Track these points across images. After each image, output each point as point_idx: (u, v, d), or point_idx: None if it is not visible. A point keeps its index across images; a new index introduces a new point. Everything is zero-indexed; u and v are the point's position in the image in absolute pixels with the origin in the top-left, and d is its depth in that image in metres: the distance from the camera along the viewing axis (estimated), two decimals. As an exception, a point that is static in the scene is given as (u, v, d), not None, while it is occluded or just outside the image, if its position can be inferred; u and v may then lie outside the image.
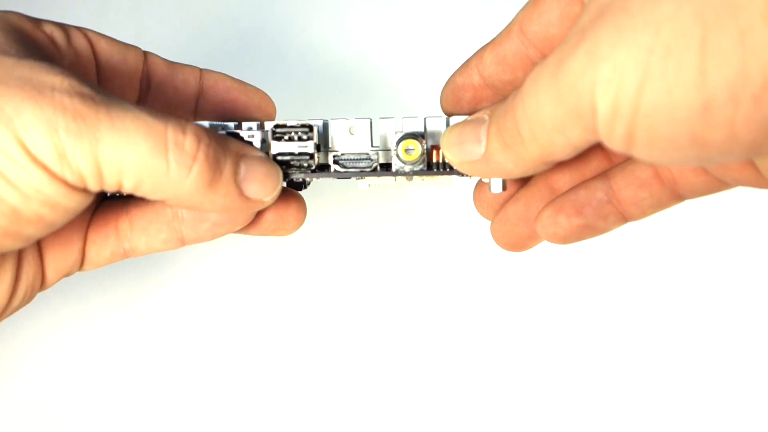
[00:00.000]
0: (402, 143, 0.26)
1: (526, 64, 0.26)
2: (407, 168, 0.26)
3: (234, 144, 0.24)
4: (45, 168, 0.20)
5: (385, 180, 0.27)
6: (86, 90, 0.21)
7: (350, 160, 0.26)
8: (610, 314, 0.41)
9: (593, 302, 0.41)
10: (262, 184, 0.24)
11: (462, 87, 0.28)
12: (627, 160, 0.26)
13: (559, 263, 0.42)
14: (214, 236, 0.28)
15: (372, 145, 0.27)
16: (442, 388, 0.40)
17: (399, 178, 0.27)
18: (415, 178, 0.27)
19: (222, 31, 0.45)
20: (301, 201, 0.28)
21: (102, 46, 0.27)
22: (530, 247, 0.29)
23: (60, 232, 0.26)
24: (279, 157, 0.26)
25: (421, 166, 0.26)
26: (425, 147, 0.26)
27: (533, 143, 0.21)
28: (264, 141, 0.26)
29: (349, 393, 0.40)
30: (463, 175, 0.26)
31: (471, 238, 0.42)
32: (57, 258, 0.27)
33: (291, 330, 0.41)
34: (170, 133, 0.22)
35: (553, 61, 0.20)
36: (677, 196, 0.26)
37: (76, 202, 0.22)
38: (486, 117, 0.23)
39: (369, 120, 0.27)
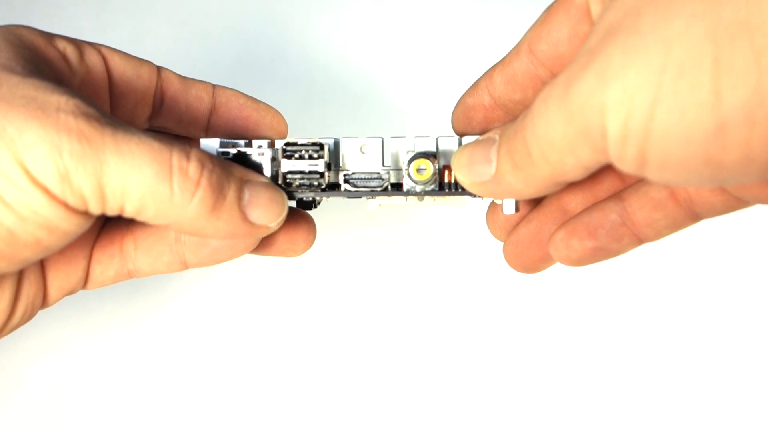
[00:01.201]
0: (414, 163, 0.25)
1: (536, 84, 0.26)
2: (419, 188, 0.26)
3: (238, 170, 0.24)
4: (45, 190, 0.20)
5: (396, 200, 0.27)
6: (92, 111, 0.21)
7: (361, 179, 0.26)
8: (627, 334, 0.41)
9: (609, 323, 0.41)
10: (267, 209, 0.24)
11: (472, 108, 0.27)
12: (641, 180, 0.26)
13: (571, 283, 0.41)
14: (215, 261, 0.27)
15: (383, 165, 0.27)
16: (452, 404, 0.40)
17: (410, 198, 0.27)
18: (427, 198, 0.27)
19: (222, 31, 0.45)
20: (311, 222, 0.28)
21: (116, 62, 0.26)
22: (543, 269, 0.28)
23: (65, 251, 0.26)
24: (289, 176, 0.26)
25: (432, 187, 0.26)
26: (437, 167, 0.26)
27: (543, 163, 0.21)
28: (274, 159, 0.26)
29: (359, 410, 0.40)
30: (475, 195, 0.26)
31: (483, 259, 0.41)
32: (61, 277, 0.26)
33: (298, 347, 0.41)
34: (175, 158, 0.21)
35: (562, 81, 0.20)
36: (694, 215, 0.25)
37: (75, 226, 0.21)
38: (496, 137, 0.23)
39: (380, 139, 0.27)
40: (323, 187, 0.26)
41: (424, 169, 0.25)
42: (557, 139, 0.20)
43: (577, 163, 0.20)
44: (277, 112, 0.30)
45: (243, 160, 0.25)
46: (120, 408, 0.40)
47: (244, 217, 0.23)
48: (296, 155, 0.26)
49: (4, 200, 0.20)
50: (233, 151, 0.25)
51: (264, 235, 0.25)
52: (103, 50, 0.26)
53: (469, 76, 0.28)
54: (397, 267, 0.42)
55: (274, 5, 0.45)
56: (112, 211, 0.21)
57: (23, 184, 0.20)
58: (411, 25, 0.45)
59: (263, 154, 0.25)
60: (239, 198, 0.23)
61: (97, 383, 0.40)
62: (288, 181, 0.26)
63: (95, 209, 0.21)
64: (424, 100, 0.44)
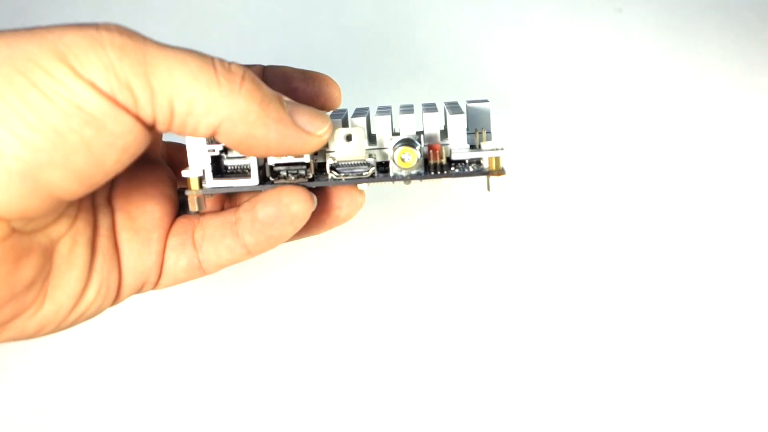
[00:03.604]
0: (398, 151, 0.26)
1: None
2: (404, 173, 0.26)
3: None
4: (90, 84, 0.20)
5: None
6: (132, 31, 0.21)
7: (347, 166, 0.26)
8: (629, 328, 0.42)
9: (611, 319, 0.42)
10: (311, 117, 0.24)
11: None
12: None
13: (566, 268, 0.41)
14: (272, 236, 0.27)
15: (368, 145, 0.27)
16: (453, 405, 0.42)
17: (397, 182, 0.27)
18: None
19: (222, 30, 0.44)
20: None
21: None
22: None
23: (139, 229, 0.26)
24: (276, 167, 0.26)
25: (418, 171, 0.26)
26: (421, 152, 0.26)
27: None
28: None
29: (359, 410, 0.42)
30: (458, 176, 0.26)
31: (473, 234, 0.41)
32: (135, 257, 0.26)
33: (298, 348, 0.42)
34: (215, 58, 0.22)
35: None
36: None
37: (122, 126, 0.21)
38: None
39: (364, 125, 0.27)
40: (310, 177, 0.26)
41: (409, 158, 0.26)
42: None
43: None
44: (328, 77, 0.29)
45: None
46: (116, 411, 0.42)
47: (292, 119, 0.23)
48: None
49: (47, 95, 0.20)
50: (219, 146, 0.25)
51: (314, 144, 0.24)
52: None
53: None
54: (387, 242, 0.42)
55: (274, 5, 0.43)
56: (161, 107, 0.21)
57: (67, 78, 0.20)
58: (410, 25, 0.44)
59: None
60: (282, 103, 0.23)
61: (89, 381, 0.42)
62: (275, 171, 0.26)
63: (144, 101, 0.21)
64: (423, 98, 0.43)
